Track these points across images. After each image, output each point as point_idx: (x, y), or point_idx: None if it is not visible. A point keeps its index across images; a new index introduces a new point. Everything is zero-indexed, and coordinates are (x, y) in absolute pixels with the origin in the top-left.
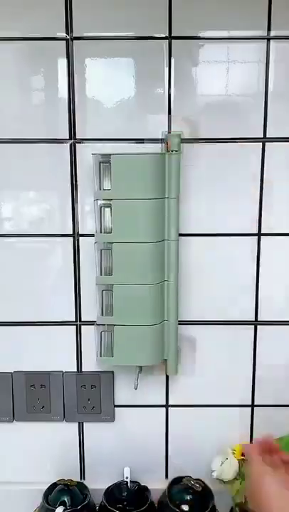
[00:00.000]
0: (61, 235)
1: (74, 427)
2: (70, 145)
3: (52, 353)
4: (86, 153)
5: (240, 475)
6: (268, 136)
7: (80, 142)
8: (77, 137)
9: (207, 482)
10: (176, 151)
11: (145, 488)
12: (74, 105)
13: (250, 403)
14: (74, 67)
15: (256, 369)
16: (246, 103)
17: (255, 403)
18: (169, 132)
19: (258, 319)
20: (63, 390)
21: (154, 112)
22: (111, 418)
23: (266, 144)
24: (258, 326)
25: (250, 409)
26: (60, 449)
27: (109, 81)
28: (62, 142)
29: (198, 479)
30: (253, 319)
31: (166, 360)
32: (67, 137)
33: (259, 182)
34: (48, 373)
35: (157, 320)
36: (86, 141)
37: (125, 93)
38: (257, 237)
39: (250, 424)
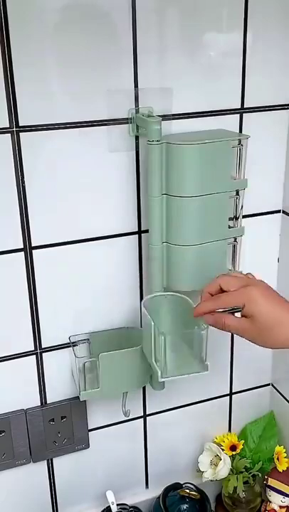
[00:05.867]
0: (8, 251)
1: (43, 465)
2: (12, 133)
3: (9, 392)
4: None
5: (234, 470)
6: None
7: (24, 130)
8: (20, 125)
9: (194, 481)
10: (157, 141)
11: (137, 509)
12: None
13: (228, 392)
14: None
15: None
16: None
17: (233, 390)
18: (137, 108)
19: None
20: (28, 430)
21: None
22: (86, 445)
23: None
24: None
25: (228, 398)
26: (30, 494)
27: None
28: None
29: (187, 483)
30: None
31: (151, 375)
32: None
33: None
34: (7, 416)
35: None
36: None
37: None
38: None
39: (228, 413)
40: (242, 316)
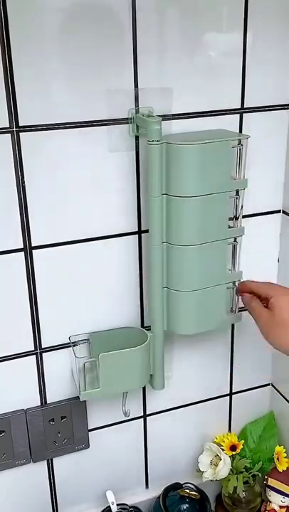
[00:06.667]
0: (8, 251)
1: (43, 465)
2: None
3: (9, 392)
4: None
5: (234, 470)
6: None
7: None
8: (20, 125)
9: (194, 481)
10: (157, 141)
11: (137, 509)
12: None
13: (228, 392)
14: None
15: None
16: None
17: (233, 390)
18: (137, 108)
19: None
20: (28, 430)
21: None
22: (86, 445)
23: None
24: None
25: (228, 398)
26: (30, 494)
27: None
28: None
29: (187, 483)
30: None
31: (151, 375)
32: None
33: None
34: (7, 416)
35: (145, 337)
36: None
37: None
38: None
39: (228, 413)
40: (266, 306)
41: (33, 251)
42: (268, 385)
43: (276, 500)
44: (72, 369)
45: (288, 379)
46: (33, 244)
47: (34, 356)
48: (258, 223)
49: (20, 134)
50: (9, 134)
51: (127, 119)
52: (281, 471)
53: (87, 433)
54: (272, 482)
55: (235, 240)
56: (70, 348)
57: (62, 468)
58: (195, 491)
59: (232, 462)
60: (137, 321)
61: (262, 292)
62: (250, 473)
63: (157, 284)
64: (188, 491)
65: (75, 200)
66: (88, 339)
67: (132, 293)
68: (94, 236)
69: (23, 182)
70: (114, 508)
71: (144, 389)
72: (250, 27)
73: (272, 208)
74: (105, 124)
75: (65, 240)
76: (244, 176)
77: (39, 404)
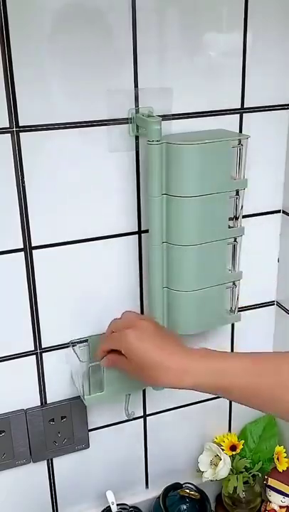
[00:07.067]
0: (8, 251)
1: (43, 465)
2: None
3: (9, 392)
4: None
5: (234, 470)
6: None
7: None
8: (20, 125)
9: (194, 481)
10: (157, 141)
11: (137, 509)
12: None
13: None
14: None
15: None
16: None
17: None
18: (137, 108)
19: None
20: (28, 430)
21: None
22: (86, 445)
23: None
24: None
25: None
26: (30, 494)
27: None
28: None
29: (187, 483)
30: None
31: None
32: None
33: None
34: (7, 416)
35: None
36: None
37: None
38: None
39: (228, 413)
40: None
41: (33, 251)
42: None
43: (276, 500)
44: (72, 372)
45: None
46: (33, 244)
47: (34, 356)
48: (258, 223)
49: (20, 134)
50: (9, 134)
51: (127, 119)
52: (281, 471)
53: (87, 433)
54: (272, 482)
55: (235, 240)
56: (70, 348)
57: (62, 468)
58: (195, 491)
59: (232, 462)
60: None
61: (110, 347)
62: (250, 473)
63: (157, 284)
64: (188, 491)
65: (75, 200)
66: (87, 340)
67: (132, 293)
68: (94, 236)
69: (23, 182)
70: (114, 508)
71: (144, 389)
72: (250, 27)
73: (272, 208)
74: (105, 124)
75: (65, 240)
76: (244, 176)
77: (39, 404)
